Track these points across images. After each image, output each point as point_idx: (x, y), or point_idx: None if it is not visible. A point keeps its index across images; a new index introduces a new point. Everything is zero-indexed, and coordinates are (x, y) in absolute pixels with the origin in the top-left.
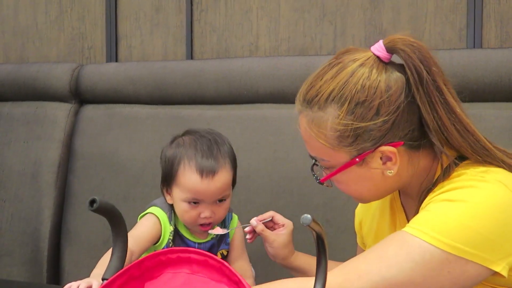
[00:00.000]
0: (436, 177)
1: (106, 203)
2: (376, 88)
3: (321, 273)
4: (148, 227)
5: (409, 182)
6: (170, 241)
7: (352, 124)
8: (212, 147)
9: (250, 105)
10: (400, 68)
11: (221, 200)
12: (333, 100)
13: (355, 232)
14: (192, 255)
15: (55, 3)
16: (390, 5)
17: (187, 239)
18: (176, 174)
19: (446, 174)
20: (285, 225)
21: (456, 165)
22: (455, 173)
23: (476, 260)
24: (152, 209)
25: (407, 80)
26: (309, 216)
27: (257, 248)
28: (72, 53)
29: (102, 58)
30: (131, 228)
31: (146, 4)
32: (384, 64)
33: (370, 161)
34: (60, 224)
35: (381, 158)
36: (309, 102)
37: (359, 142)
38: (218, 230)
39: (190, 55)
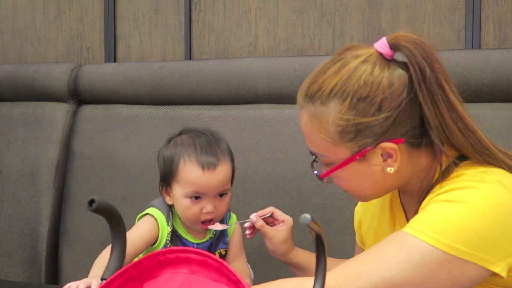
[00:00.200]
0: (436, 177)
1: (105, 203)
2: (379, 84)
3: (320, 273)
4: (144, 229)
5: (409, 181)
6: (168, 241)
7: (354, 119)
8: (211, 143)
9: (249, 106)
10: (403, 65)
11: (221, 195)
12: (335, 95)
13: (354, 232)
14: (191, 255)
15: (54, 4)
16: (388, 6)
17: (185, 239)
18: (177, 170)
19: (445, 174)
20: (285, 221)
21: (456, 165)
22: (454, 173)
23: (475, 261)
24: (149, 210)
25: (410, 77)
26: (308, 216)
27: (255, 249)
28: (71, 53)
29: (101, 58)
30: (129, 229)
31: (145, 4)
32: (387, 61)
33: (371, 157)
34: (58, 224)
35: (381, 155)
36: (311, 97)
37: (361, 138)
38: (218, 226)
39: (189, 56)
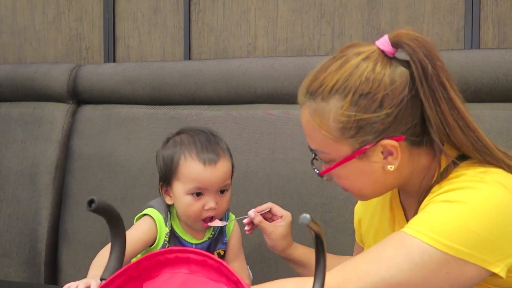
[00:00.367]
0: (435, 177)
1: (104, 203)
2: (381, 81)
3: (319, 273)
4: (142, 229)
5: (409, 179)
6: (166, 242)
7: (355, 115)
8: (210, 141)
9: (248, 105)
10: (405, 63)
11: (222, 192)
12: (337, 91)
13: (353, 232)
14: (191, 255)
15: (53, 4)
16: (388, 6)
17: (184, 239)
18: (178, 168)
19: (444, 174)
20: (283, 216)
21: (456, 165)
22: (454, 174)
23: (475, 261)
24: (147, 211)
25: (411, 74)
26: (308, 216)
27: (254, 249)
28: (70, 53)
29: (100, 58)
30: (128, 229)
31: (144, 4)
32: (389, 58)
33: (371, 154)
34: (57, 224)
35: (382, 152)
36: (312, 94)
37: (361, 134)
38: (217, 223)
39: (188, 56)
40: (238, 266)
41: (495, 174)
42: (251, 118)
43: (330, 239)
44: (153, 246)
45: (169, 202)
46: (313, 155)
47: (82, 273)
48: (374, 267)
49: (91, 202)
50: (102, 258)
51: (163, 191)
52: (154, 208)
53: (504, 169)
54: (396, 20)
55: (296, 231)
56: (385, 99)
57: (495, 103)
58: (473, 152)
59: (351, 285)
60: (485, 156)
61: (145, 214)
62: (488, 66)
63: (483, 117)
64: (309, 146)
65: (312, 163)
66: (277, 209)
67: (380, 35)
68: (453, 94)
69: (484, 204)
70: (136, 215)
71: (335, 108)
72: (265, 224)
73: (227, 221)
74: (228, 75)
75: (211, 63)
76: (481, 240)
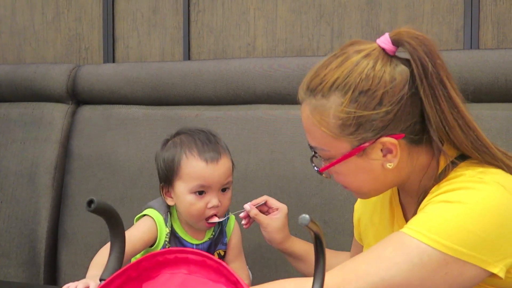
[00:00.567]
0: (435, 177)
1: (104, 204)
2: (381, 78)
3: (319, 273)
4: (142, 229)
5: (408, 178)
6: (166, 242)
7: (355, 112)
8: (210, 139)
9: (248, 106)
10: (405, 62)
11: (224, 190)
12: (337, 88)
13: (353, 232)
14: (190, 256)
15: (52, 4)
16: (387, 6)
17: (184, 240)
18: (179, 167)
19: (442, 175)
20: (279, 208)
21: (455, 165)
22: (453, 174)
23: (474, 261)
24: (147, 211)
25: (411, 72)
26: (307, 216)
27: (254, 249)
28: (69, 54)
29: (99, 59)
30: (127, 229)
31: (143, 5)
32: (389, 56)
33: (371, 152)
34: (57, 225)
35: (381, 150)
36: (312, 90)
37: (361, 131)
38: (215, 218)
39: (187, 56)
40: (238, 267)
41: (494, 175)
42: (250, 119)
43: (329, 239)
44: (153, 246)
45: (170, 203)
46: (313, 152)
47: (81, 274)
48: (373, 267)
49: (90, 202)
50: (102, 257)
51: (164, 192)
52: (154, 208)
53: (503, 169)
54: (395, 20)
55: (296, 231)
56: (384, 97)
57: (494, 103)
58: (472, 151)
59: (351, 285)
60: (484, 155)
61: (144, 215)
62: (487, 66)
63: (482, 117)
64: (308, 143)
65: (311, 161)
66: (273, 202)
67: (380, 36)
68: (453, 93)
69: (483, 205)
70: (136, 216)
71: (335, 104)
72: (261, 217)
73: (226, 221)
74: (228, 75)
75: (211, 63)
76: (480, 240)
